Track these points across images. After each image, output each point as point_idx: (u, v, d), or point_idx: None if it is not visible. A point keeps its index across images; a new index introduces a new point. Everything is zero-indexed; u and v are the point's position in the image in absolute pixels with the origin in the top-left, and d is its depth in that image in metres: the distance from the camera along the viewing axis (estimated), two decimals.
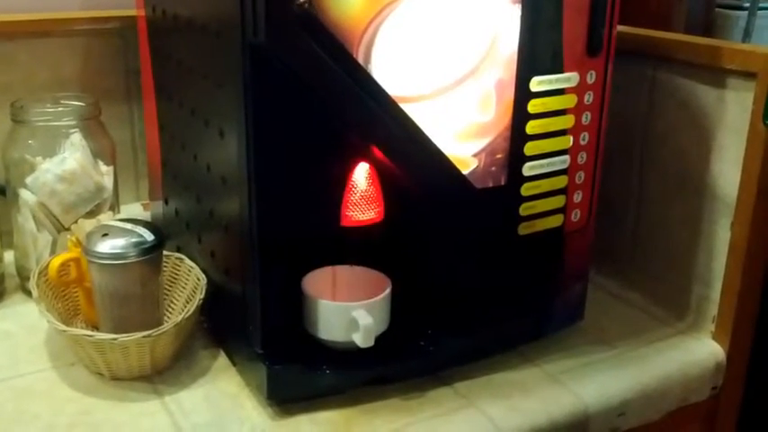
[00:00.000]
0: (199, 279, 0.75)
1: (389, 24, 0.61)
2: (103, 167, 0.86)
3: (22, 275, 0.86)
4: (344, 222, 0.67)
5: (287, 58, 0.59)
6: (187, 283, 0.78)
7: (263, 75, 0.60)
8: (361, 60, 0.61)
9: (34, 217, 0.82)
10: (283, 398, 0.68)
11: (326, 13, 0.58)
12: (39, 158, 0.83)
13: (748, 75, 0.74)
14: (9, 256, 0.88)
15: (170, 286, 0.79)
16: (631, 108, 0.86)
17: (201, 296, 0.73)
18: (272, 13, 0.57)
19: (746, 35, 1.14)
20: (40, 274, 0.75)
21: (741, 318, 0.79)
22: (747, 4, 1.18)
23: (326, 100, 0.61)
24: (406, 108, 0.64)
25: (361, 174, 0.66)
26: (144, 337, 0.66)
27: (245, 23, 0.59)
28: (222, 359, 0.74)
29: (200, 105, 0.73)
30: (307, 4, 0.57)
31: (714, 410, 0.82)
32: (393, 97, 0.63)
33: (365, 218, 0.68)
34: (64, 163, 0.82)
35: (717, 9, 1.18)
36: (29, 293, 0.84)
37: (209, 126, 0.70)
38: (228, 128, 0.65)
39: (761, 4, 1.14)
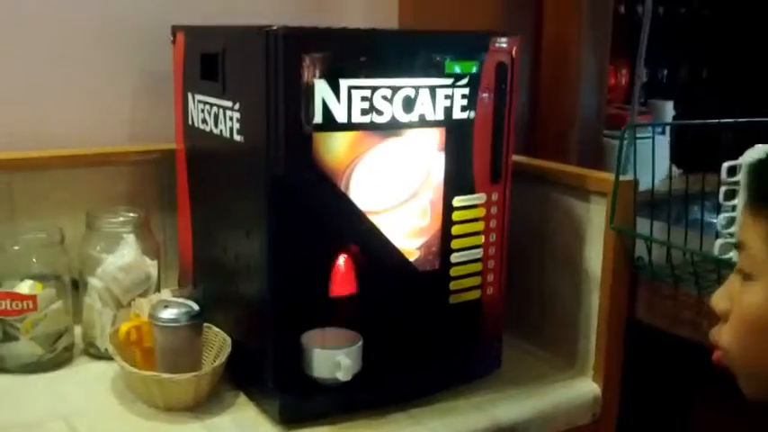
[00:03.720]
0: (225, 339, 1.06)
1: (362, 165, 0.95)
2: (150, 261, 1.17)
3: (86, 342, 1.15)
4: (332, 294, 0.99)
5: (296, 185, 0.92)
6: (215, 344, 1.08)
7: (280, 196, 0.93)
8: (342, 188, 0.94)
9: (101, 298, 1.12)
10: (289, 419, 0.97)
11: (321, 159, 0.92)
12: (104, 255, 1.13)
13: (602, 194, 1.10)
14: (76, 329, 1.17)
15: (203, 349, 1.08)
16: (531, 215, 1.21)
17: (229, 350, 1.03)
18: (289, 160, 0.90)
19: (627, 161, 1.51)
20: (110, 337, 1.05)
21: (609, 363, 1.11)
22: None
23: (320, 213, 0.94)
24: (372, 218, 0.97)
25: (343, 262, 0.98)
26: (192, 376, 0.96)
27: (269, 162, 0.92)
28: (243, 397, 1.03)
29: (230, 214, 1.05)
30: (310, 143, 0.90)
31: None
32: (364, 211, 0.97)
33: (345, 291, 0.99)
34: (123, 258, 1.13)
35: (605, 138, 1.56)
36: (92, 356, 1.13)
37: (237, 229, 1.03)
38: (253, 230, 0.97)
39: (638, 135, 1.50)
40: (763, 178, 0.60)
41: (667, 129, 1.75)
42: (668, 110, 1.86)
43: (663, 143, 1.63)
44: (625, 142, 1.18)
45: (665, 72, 2.00)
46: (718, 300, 0.62)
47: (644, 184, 1.24)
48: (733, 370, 0.61)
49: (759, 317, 0.57)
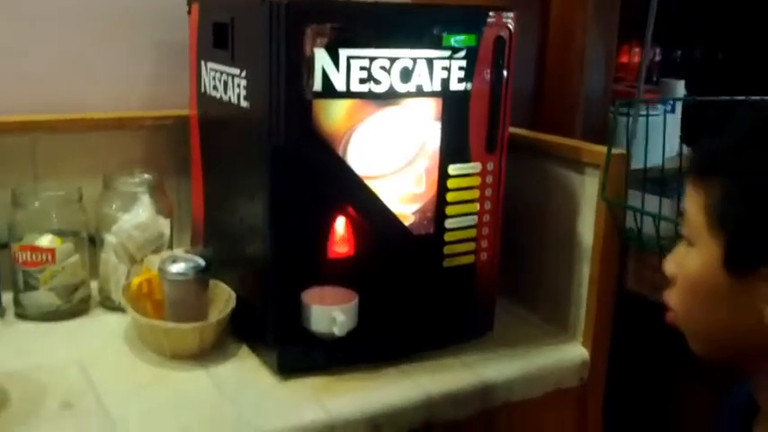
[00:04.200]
0: (231, 295, 1.12)
1: (359, 132, 1.00)
2: (163, 221, 1.23)
3: (102, 296, 1.22)
4: (330, 255, 1.04)
5: (296, 154, 0.97)
6: (221, 299, 1.14)
7: (281, 162, 0.98)
8: (340, 153, 0.99)
9: (116, 253, 1.19)
10: (288, 370, 1.03)
11: (321, 125, 0.97)
12: (120, 213, 1.20)
13: (596, 166, 1.13)
14: (93, 284, 1.24)
15: (210, 303, 1.15)
16: (527, 187, 1.25)
17: (233, 304, 1.09)
18: (290, 125, 0.96)
19: (632, 137, 1.55)
20: (123, 289, 1.12)
21: (598, 329, 1.16)
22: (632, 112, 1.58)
23: (320, 178, 1.00)
24: (370, 183, 1.02)
25: (341, 224, 1.04)
26: (197, 326, 1.03)
27: (270, 127, 0.97)
28: (245, 349, 1.10)
29: (237, 177, 1.11)
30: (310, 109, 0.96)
31: (584, 396, 1.17)
32: (361, 176, 1.01)
33: (343, 252, 1.05)
34: (138, 216, 1.19)
35: (611, 115, 1.59)
36: (107, 308, 1.21)
37: (242, 192, 1.08)
38: (257, 194, 1.03)
39: (641, 113, 1.54)
40: (703, 151, 0.62)
41: (678, 107, 1.77)
42: (679, 89, 1.87)
43: (673, 121, 1.65)
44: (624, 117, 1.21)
45: (680, 53, 2.01)
46: (668, 264, 0.66)
47: (652, 161, 1.28)
48: (681, 329, 0.65)
49: (697, 280, 0.61)
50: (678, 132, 1.68)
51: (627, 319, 1.17)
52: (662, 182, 1.26)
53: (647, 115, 1.63)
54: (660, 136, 1.29)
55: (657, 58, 1.95)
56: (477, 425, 1.07)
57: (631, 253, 1.13)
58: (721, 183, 0.58)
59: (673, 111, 1.75)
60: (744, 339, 0.60)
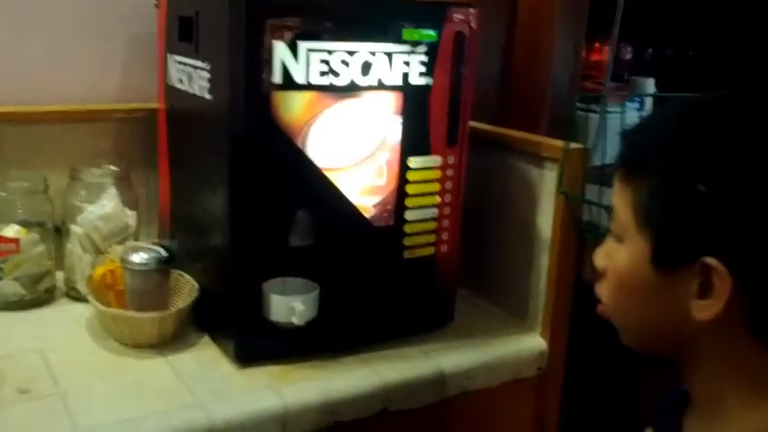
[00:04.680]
0: (193, 286, 1.13)
1: (318, 125, 1.01)
2: (129, 212, 1.25)
3: (68, 286, 1.23)
4: (290, 245, 1.05)
5: (256, 145, 0.99)
6: (184, 290, 1.15)
7: (241, 153, 0.99)
8: (300, 145, 1.01)
9: (81, 244, 1.20)
10: (246, 358, 1.04)
11: (280, 117, 0.99)
12: (86, 204, 1.21)
13: (555, 160, 1.15)
14: (59, 274, 1.25)
15: (173, 293, 1.16)
16: (488, 180, 1.27)
17: (195, 295, 1.10)
18: (250, 117, 0.97)
19: (598, 133, 1.57)
20: (87, 279, 1.13)
21: (556, 320, 1.18)
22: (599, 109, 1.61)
23: (280, 169, 1.01)
24: (330, 175, 1.04)
25: (300, 215, 1.05)
26: (157, 315, 1.04)
27: (231, 118, 0.99)
28: (206, 339, 1.11)
29: (200, 169, 1.12)
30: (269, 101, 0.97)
31: (541, 385, 1.19)
32: (321, 168, 1.03)
33: (303, 243, 1.06)
34: (104, 208, 1.20)
35: (577, 111, 1.61)
36: (72, 298, 1.22)
37: (206, 184, 1.10)
38: (218, 185, 1.04)
39: (608, 109, 1.56)
40: (631, 148, 0.63)
41: (646, 105, 1.80)
42: (649, 87, 1.90)
43: (636, 118, 1.68)
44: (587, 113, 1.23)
45: (651, 51, 2.03)
46: (598, 257, 0.66)
47: (613, 157, 1.30)
48: (611, 321, 0.67)
49: (625, 275, 0.62)
50: None
51: (584, 309, 1.19)
52: (601, 173, 1.27)
53: (613, 112, 1.65)
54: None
55: (629, 56, 1.98)
56: (435, 413, 1.09)
57: (588, 245, 1.15)
58: (647, 181, 0.58)
59: (641, 108, 1.77)
60: (670, 332, 0.61)
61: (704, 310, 0.56)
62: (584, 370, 1.26)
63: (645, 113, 1.77)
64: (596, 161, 1.38)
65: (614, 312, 0.65)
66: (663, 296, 0.59)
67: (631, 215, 0.60)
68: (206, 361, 1.05)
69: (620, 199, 0.61)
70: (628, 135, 0.63)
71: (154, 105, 1.29)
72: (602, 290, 0.66)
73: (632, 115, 1.66)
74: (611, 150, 1.39)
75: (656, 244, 0.58)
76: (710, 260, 0.54)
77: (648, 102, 1.80)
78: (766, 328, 0.56)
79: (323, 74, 1.00)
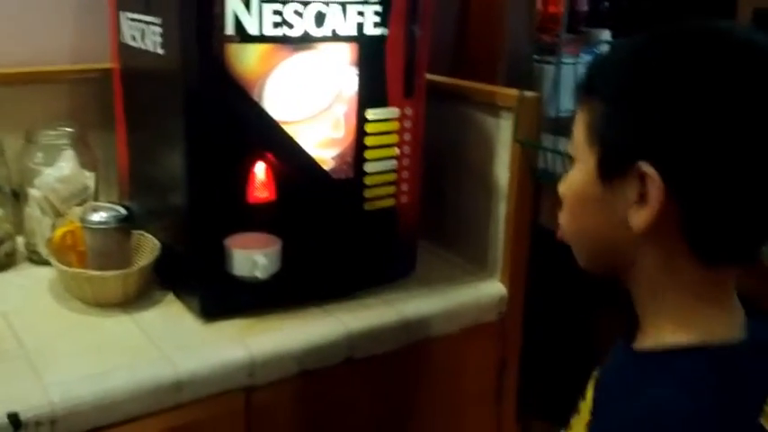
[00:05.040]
0: (155, 244, 1.13)
1: (274, 77, 1.01)
2: (87, 174, 1.24)
3: (29, 250, 1.22)
4: (250, 200, 1.06)
5: (212, 98, 0.99)
6: (146, 249, 1.15)
7: (196, 108, 0.99)
8: (256, 98, 1.01)
9: (40, 207, 1.19)
10: (211, 313, 1.06)
11: (235, 70, 0.99)
12: (43, 167, 1.20)
13: (510, 109, 1.17)
14: (19, 239, 1.24)
15: (136, 253, 1.16)
16: (446, 131, 1.28)
17: (158, 252, 1.11)
18: (204, 71, 0.97)
19: (555, 84, 1.59)
20: (48, 241, 1.12)
21: (515, 266, 1.21)
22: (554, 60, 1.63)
23: (237, 123, 1.01)
24: (288, 128, 1.04)
25: (260, 169, 1.06)
26: (119, 273, 1.04)
27: (185, 76, 0.98)
28: (171, 296, 1.12)
29: (158, 129, 1.12)
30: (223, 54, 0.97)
31: (502, 329, 1.22)
32: (279, 121, 1.03)
33: (264, 197, 1.07)
34: (61, 170, 1.19)
35: (535, 63, 1.63)
36: (34, 262, 1.21)
37: (163, 142, 1.09)
38: (176, 143, 1.04)
39: (563, 60, 1.58)
40: (590, 72, 0.66)
41: None
42: (604, 38, 1.92)
43: None
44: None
45: (607, 3, 2.05)
46: (560, 185, 0.70)
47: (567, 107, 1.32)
48: (568, 243, 0.70)
49: (578, 193, 0.66)
50: None
51: (542, 254, 1.22)
52: (556, 121, 1.29)
53: (568, 63, 1.67)
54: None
55: (585, 8, 1.99)
56: (400, 359, 1.12)
57: (544, 191, 1.18)
58: (599, 102, 0.63)
59: None
60: (614, 247, 0.64)
61: (639, 217, 0.60)
62: (543, 313, 1.29)
63: None
64: (551, 112, 1.40)
65: (569, 234, 0.69)
66: (608, 208, 0.63)
67: (584, 135, 0.64)
68: (171, 317, 1.06)
69: (578, 121, 0.65)
70: (590, 63, 0.67)
71: (108, 65, 1.28)
72: (561, 216, 0.69)
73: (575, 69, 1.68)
74: (566, 101, 1.41)
75: (600, 157, 0.62)
76: (644, 166, 0.58)
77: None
78: (701, 238, 0.60)
79: (276, 25, 1.00)
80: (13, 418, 0.83)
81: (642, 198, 0.59)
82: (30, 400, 0.85)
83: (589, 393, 0.69)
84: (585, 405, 0.68)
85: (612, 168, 0.62)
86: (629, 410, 0.58)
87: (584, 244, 0.68)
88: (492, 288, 1.21)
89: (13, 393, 0.86)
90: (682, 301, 0.62)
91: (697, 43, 0.60)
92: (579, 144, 0.65)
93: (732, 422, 0.58)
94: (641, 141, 0.59)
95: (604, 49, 0.70)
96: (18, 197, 1.23)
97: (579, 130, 0.65)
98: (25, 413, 0.84)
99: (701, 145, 0.57)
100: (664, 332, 0.63)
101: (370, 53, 1.08)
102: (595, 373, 0.72)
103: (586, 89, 0.65)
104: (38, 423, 0.84)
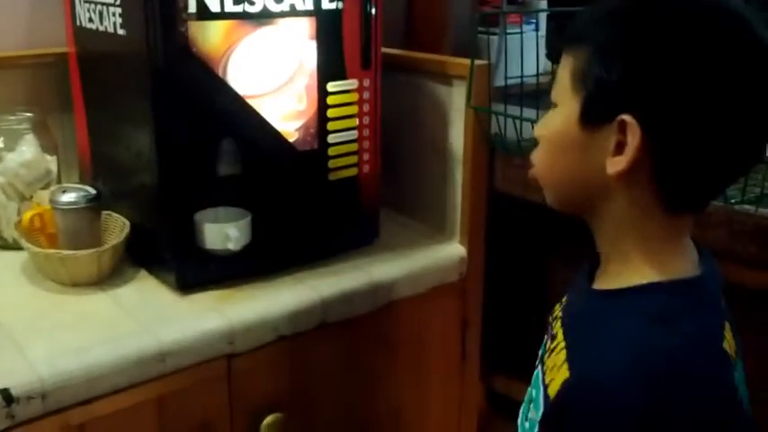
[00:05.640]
0: (124, 223, 1.15)
1: (237, 53, 1.04)
2: (49, 158, 1.24)
3: None
4: (218, 174, 1.09)
5: (177, 76, 1.01)
6: (115, 229, 1.17)
7: (161, 86, 1.01)
8: (220, 74, 1.04)
9: (4, 192, 1.19)
10: (186, 286, 1.08)
11: (198, 48, 1.01)
12: (5, 152, 1.20)
13: (462, 77, 1.22)
14: None
15: (105, 232, 1.18)
16: (401, 102, 1.33)
17: (128, 230, 1.13)
18: (168, 49, 0.99)
19: (499, 54, 1.64)
20: (16, 225, 1.13)
21: (473, 228, 1.27)
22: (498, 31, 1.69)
23: (202, 99, 1.04)
24: (251, 102, 1.08)
25: (227, 144, 1.08)
26: (93, 252, 1.06)
27: (150, 55, 1.00)
28: (143, 272, 1.14)
29: (119, 107, 1.13)
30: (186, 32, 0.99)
31: (464, 289, 1.29)
32: (243, 96, 1.06)
33: (231, 171, 1.09)
34: (23, 155, 1.20)
35: (479, 35, 1.68)
36: (0, 248, 1.21)
37: (126, 121, 1.11)
38: (141, 122, 1.06)
39: (507, 32, 1.63)
40: (577, 22, 0.70)
41: (541, 24, 1.88)
42: (542, 6, 1.98)
43: (533, 37, 1.76)
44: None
45: None
46: (537, 127, 0.75)
47: (516, 76, 1.38)
48: (540, 182, 0.74)
49: (556, 135, 0.70)
50: (535, 46, 1.80)
51: (498, 215, 1.29)
52: (505, 87, 1.35)
53: (512, 33, 1.73)
54: (526, 53, 1.39)
55: None
56: (370, 321, 1.17)
57: (498, 155, 1.24)
58: (586, 49, 0.66)
59: (537, 29, 1.86)
60: (587, 189, 0.69)
61: (616, 165, 0.65)
62: (501, 272, 1.36)
63: (541, 34, 1.87)
64: (499, 81, 1.46)
65: (543, 173, 0.73)
66: (585, 153, 0.67)
67: (569, 80, 0.68)
68: (146, 291, 1.09)
69: (563, 68, 0.69)
70: (578, 15, 0.70)
71: (63, 49, 1.28)
72: (536, 155, 0.73)
73: (530, 36, 1.75)
74: (512, 69, 1.47)
75: (584, 104, 0.66)
76: (626, 117, 0.63)
77: (543, 22, 1.88)
78: (669, 188, 0.65)
79: (237, 2, 1.02)
80: (5, 394, 0.85)
81: (619, 146, 0.64)
82: (19, 377, 0.87)
83: (559, 331, 0.73)
84: (558, 343, 0.71)
85: (595, 116, 0.66)
86: (613, 354, 0.62)
87: (557, 185, 0.72)
88: (452, 250, 1.27)
89: (0, 370, 0.88)
90: (647, 243, 0.67)
91: (688, 10, 0.64)
92: (563, 89, 0.68)
93: (703, 348, 0.64)
94: (628, 94, 0.63)
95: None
96: None
97: (564, 75, 0.68)
98: (16, 389, 0.86)
99: (684, 102, 0.62)
100: (630, 272, 0.68)
101: (327, 27, 1.11)
102: (559, 314, 0.77)
103: (574, 38, 0.69)
104: (29, 398, 0.86)
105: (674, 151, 0.63)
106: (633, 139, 0.63)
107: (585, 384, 0.64)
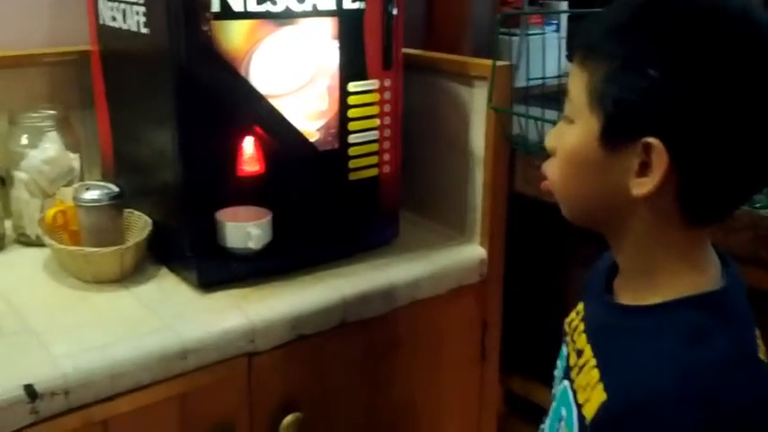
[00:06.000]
0: (146, 221, 1.16)
1: (260, 52, 1.05)
2: (72, 155, 1.25)
3: (17, 233, 1.24)
4: (240, 173, 1.09)
5: (200, 75, 1.02)
6: (137, 226, 1.18)
7: (184, 85, 1.02)
8: (243, 73, 1.04)
9: (28, 189, 1.20)
10: (208, 283, 1.09)
11: (221, 47, 1.02)
12: (28, 149, 1.21)
13: (483, 78, 1.22)
14: (6, 222, 1.25)
15: (127, 230, 1.18)
16: (423, 102, 1.33)
17: (150, 228, 1.14)
18: (191, 48, 1.00)
19: (520, 55, 1.64)
20: (39, 221, 1.14)
21: (494, 230, 1.26)
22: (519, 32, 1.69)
23: (224, 98, 1.04)
24: (273, 102, 1.08)
25: (249, 143, 1.09)
26: (116, 249, 1.07)
27: (173, 54, 1.01)
28: (165, 270, 1.15)
29: (142, 105, 1.14)
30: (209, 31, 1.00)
31: (484, 290, 1.28)
32: (265, 95, 1.07)
33: (253, 170, 1.10)
34: (46, 152, 1.21)
35: (500, 36, 1.68)
36: (23, 244, 1.23)
37: (149, 119, 1.12)
38: (164, 120, 1.06)
39: (528, 32, 1.63)
40: (589, 33, 0.67)
41: (562, 26, 1.87)
42: (562, 8, 1.98)
43: (555, 39, 1.76)
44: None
45: None
46: (549, 139, 0.73)
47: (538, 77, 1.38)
48: (555, 195, 0.74)
49: (574, 153, 0.68)
50: (557, 47, 1.79)
51: (519, 217, 1.28)
52: (526, 89, 1.35)
53: (534, 34, 1.73)
54: (547, 54, 1.38)
55: None
56: (390, 321, 1.17)
57: (519, 156, 1.23)
58: (603, 65, 0.64)
59: (558, 30, 1.85)
60: (607, 207, 0.68)
61: (641, 186, 0.63)
62: (521, 274, 1.36)
63: (562, 35, 1.86)
64: (520, 82, 1.46)
65: (559, 188, 0.71)
66: (606, 173, 0.65)
67: (586, 96, 0.65)
68: (168, 289, 1.09)
69: (575, 82, 0.67)
70: (587, 22, 0.68)
71: (86, 47, 1.29)
72: (549, 168, 0.72)
73: (551, 36, 1.74)
74: (533, 70, 1.47)
75: (605, 123, 0.64)
76: (652, 139, 0.61)
77: (564, 23, 1.88)
78: (694, 205, 0.64)
79: (260, 1, 1.03)
80: (30, 390, 0.85)
81: (643, 166, 0.62)
82: (42, 373, 0.88)
83: (585, 348, 0.71)
84: (587, 360, 0.69)
85: (617, 137, 0.63)
86: (658, 375, 0.61)
87: (573, 200, 0.71)
88: (472, 251, 1.27)
89: (25, 366, 0.89)
90: (671, 257, 0.66)
91: (705, 17, 0.61)
92: (579, 105, 0.66)
93: (744, 360, 0.62)
94: (653, 115, 0.61)
95: (603, 8, 0.71)
96: (4, 181, 1.24)
97: (578, 90, 0.66)
98: (39, 385, 0.87)
99: (712, 121, 0.60)
100: (656, 287, 0.66)
101: (349, 27, 1.11)
102: (579, 325, 0.76)
103: (586, 49, 0.66)
104: (53, 393, 0.87)
105: (702, 169, 0.62)
106: (659, 161, 0.61)
107: (633, 407, 0.61)
